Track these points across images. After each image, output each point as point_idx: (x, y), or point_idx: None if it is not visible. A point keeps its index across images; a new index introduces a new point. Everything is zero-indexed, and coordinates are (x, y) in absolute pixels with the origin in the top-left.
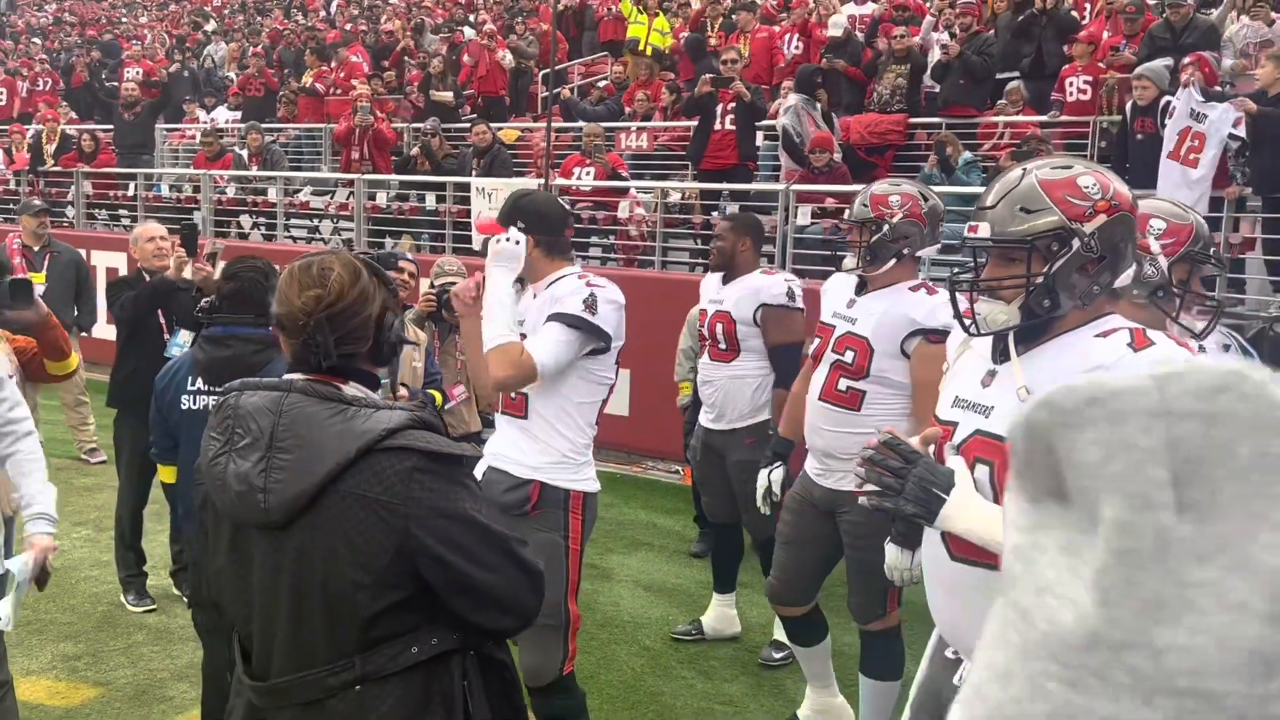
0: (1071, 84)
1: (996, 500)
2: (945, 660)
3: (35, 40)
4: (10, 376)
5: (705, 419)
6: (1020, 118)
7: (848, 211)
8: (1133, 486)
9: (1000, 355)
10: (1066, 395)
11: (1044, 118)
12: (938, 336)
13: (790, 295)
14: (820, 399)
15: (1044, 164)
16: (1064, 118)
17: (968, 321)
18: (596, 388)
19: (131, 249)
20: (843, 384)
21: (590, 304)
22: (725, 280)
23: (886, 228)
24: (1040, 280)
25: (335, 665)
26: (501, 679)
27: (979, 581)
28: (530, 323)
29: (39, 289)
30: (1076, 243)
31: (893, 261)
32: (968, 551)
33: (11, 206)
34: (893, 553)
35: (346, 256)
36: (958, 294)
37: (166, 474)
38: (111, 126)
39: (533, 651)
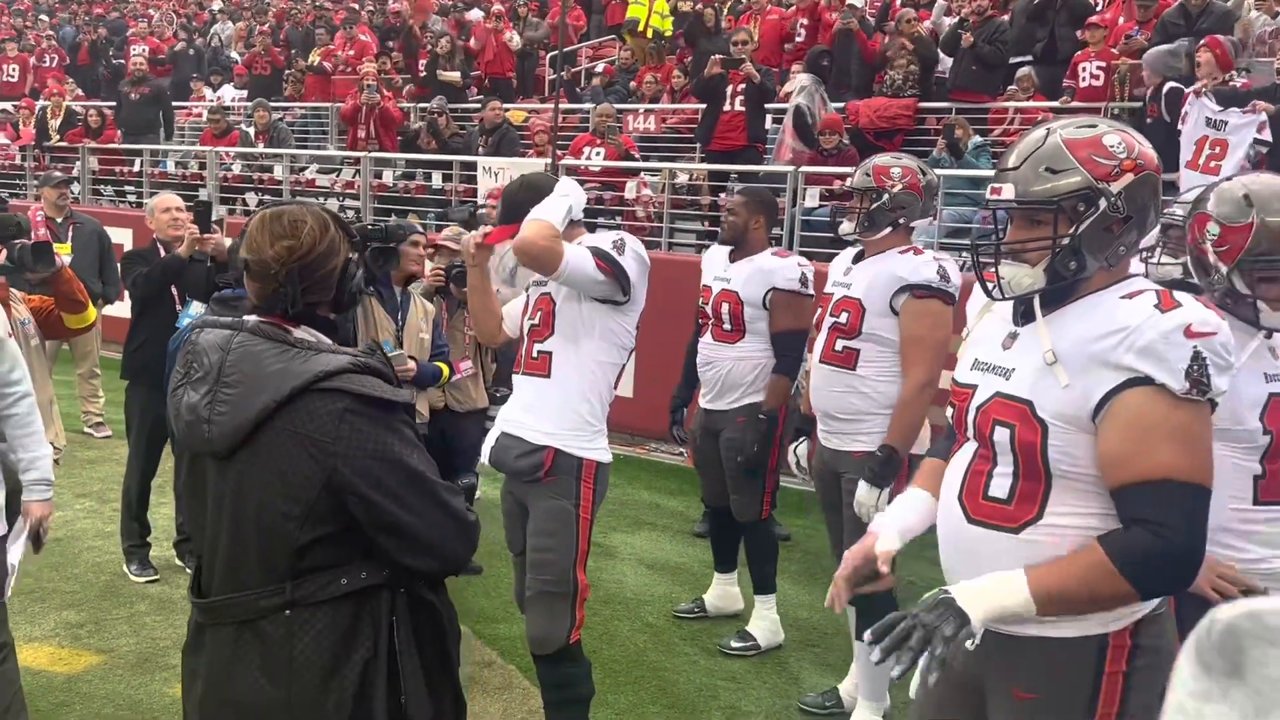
0: (1084, 70)
1: (1018, 464)
2: None
3: (43, 17)
4: (9, 336)
5: (704, 399)
6: (1031, 103)
7: (849, 180)
8: None
9: (1022, 317)
10: (1271, 614)
11: (1055, 103)
12: (923, 291)
13: (803, 281)
14: (821, 361)
15: (1068, 123)
16: (1075, 104)
17: (990, 285)
18: (617, 350)
19: (147, 219)
20: (839, 344)
21: (619, 245)
22: (733, 257)
23: (886, 197)
24: (1066, 241)
25: (266, 589)
26: (434, 619)
27: (997, 546)
28: (552, 285)
29: (65, 259)
30: (1103, 203)
31: (889, 229)
32: (986, 515)
33: (18, 182)
34: (864, 489)
35: (316, 209)
36: (980, 258)
37: None
38: (115, 104)
39: (540, 619)
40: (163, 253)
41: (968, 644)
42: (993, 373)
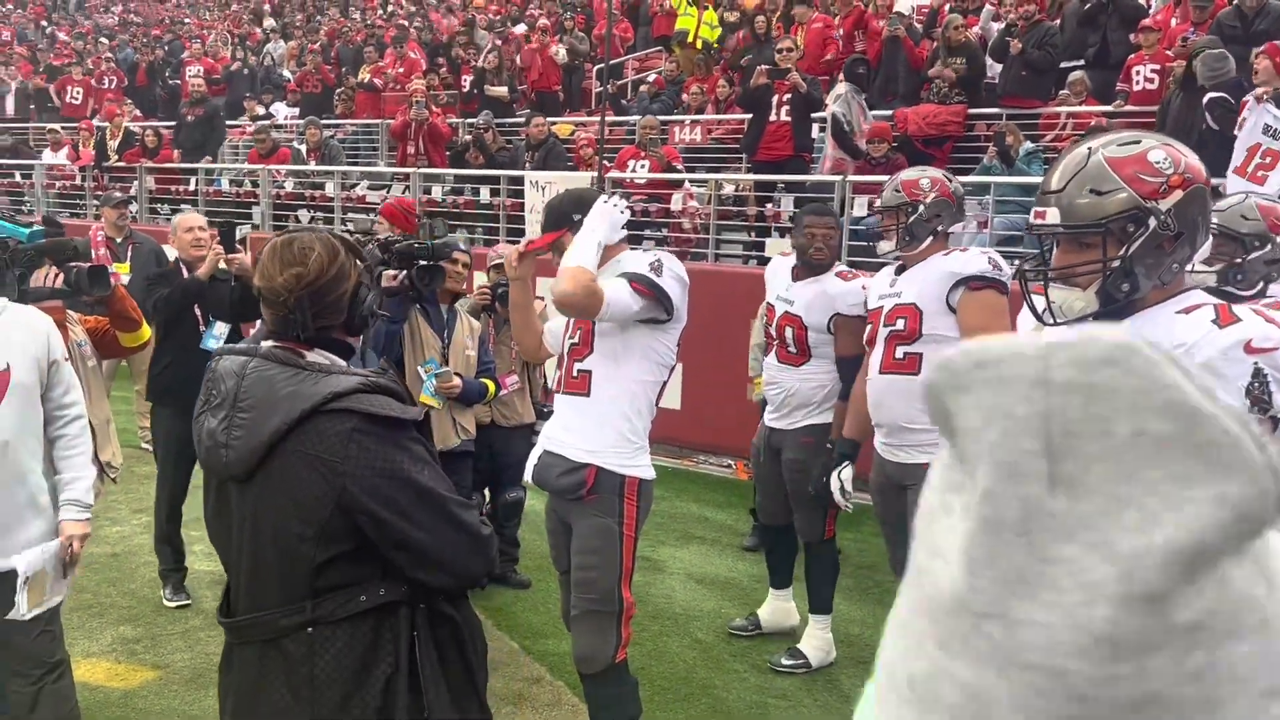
0: (1138, 73)
1: None
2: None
3: (102, 40)
4: (65, 359)
5: (770, 417)
6: (1083, 108)
7: (878, 201)
8: (1004, 455)
9: None
10: (959, 357)
11: (1108, 108)
12: (979, 282)
13: (868, 305)
14: (881, 372)
15: (1110, 140)
16: (1129, 107)
17: (1040, 309)
18: (658, 368)
19: (170, 238)
20: (900, 351)
21: (656, 267)
22: (796, 275)
23: (921, 208)
24: (1117, 263)
25: (288, 608)
26: (456, 634)
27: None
28: None
29: (124, 279)
30: (1153, 221)
31: (930, 239)
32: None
33: (78, 201)
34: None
35: (325, 235)
36: (1029, 283)
37: None
38: (174, 123)
39: (585, 637)
40: (185, 273)
41: None
42: None
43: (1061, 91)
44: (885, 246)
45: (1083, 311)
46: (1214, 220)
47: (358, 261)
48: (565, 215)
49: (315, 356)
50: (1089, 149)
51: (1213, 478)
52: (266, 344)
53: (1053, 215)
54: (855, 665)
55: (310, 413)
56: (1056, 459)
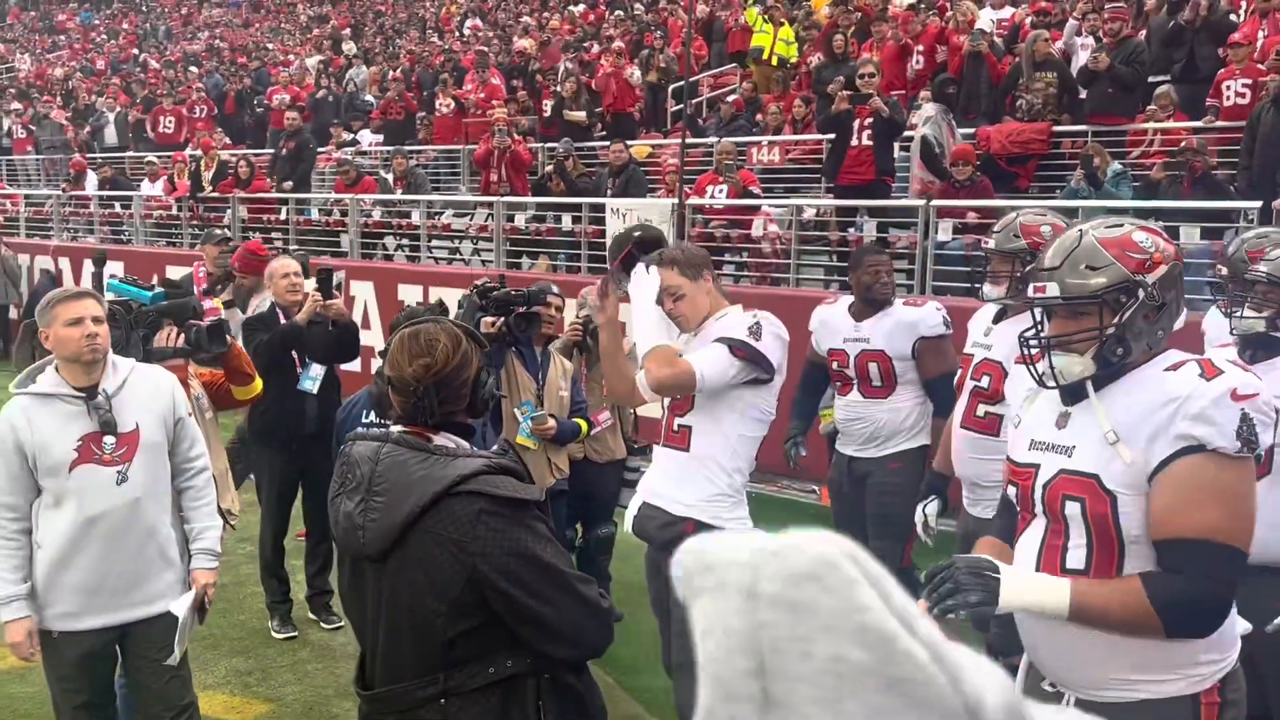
0: (1229, 87)
1: (1091, 534)
2: (1043, 692)
3: (191, 69)
4: (189, 415)
5: (849, 448)
6: (1171, 124)
7: (992, 241)
8: (721, 671)
9: (1069, 397)
10: (689, 557)
11: (1199, 123)
12: None
13: (946, 323)
14: (961, 426)
15: (1098, 224)
16: (1220, 123)
17: (1040, 374)
18: (757, 423)
19: (267, 284)
20: (981, 410)
21: (755, 331)
22: (860, 316)
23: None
24: (1111, 330)
25: (422, 680)
26: (576, 703)
27: None
28: (696, 352)
29: (223, 313)
30: (1141, 292)
31: None
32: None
33: (173, 232)
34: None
35: (449, 325)
36: (1030, 351)
37: None
38: (264, 150)
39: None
40: (282, 318)
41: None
42: (1053, 451)
43: (1149, 107)
44: (993, 292)
45: (1082, 374)
46: (1262, 269)
47: (478, 348)
48: (620, 247)
49: (442, 440)
50: (1080, 231)
51: (907, 715)
52: (396, 429)
53: (1052, 289)
54: None
55: (440, 495)
56: (769, 677)
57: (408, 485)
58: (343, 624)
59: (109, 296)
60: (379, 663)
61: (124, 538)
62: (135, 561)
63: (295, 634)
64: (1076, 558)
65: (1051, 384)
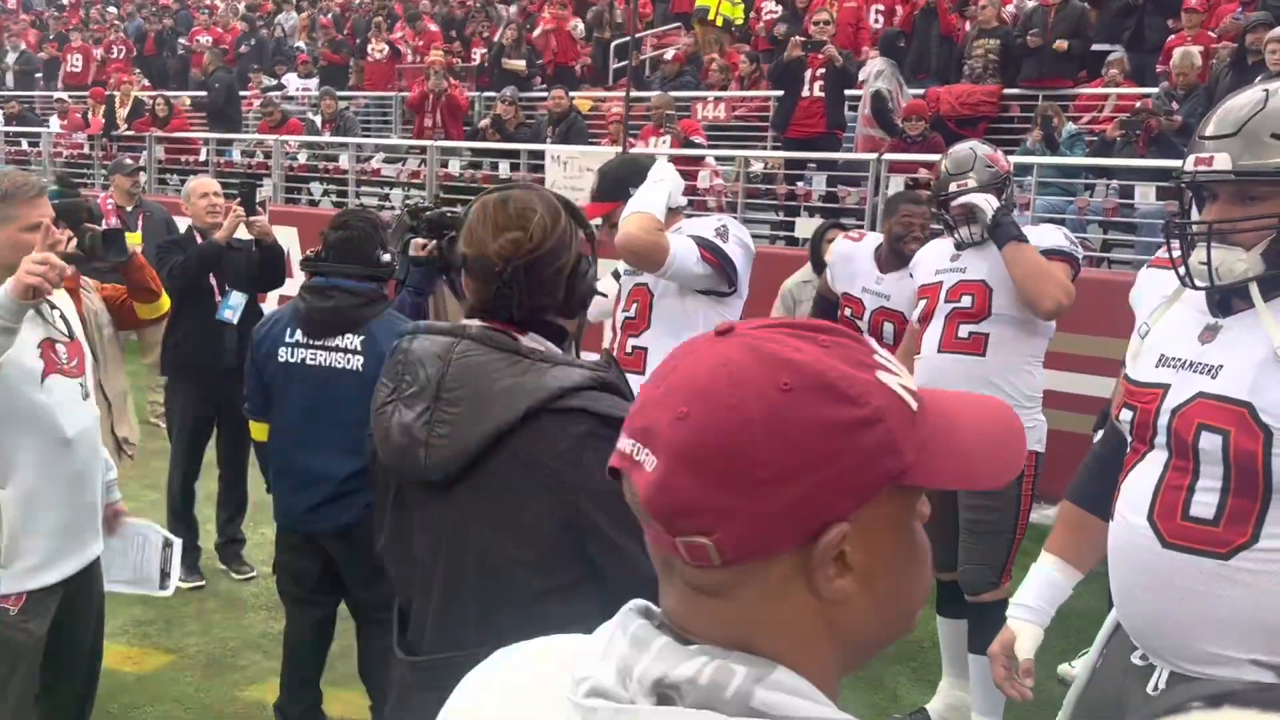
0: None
1: (1229, 476)
2: (1130, 665)
3: (110, 9)
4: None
5: None
6: (1120, 90)
7: (971, 181)
8: None
9: (1220, 308)
10: None
11: (1155, 90)
12: (1056, 255)
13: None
14: (940, 351)
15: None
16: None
17: (1183, 271)
18: None
19: (183, 205)
20: (964, 330)
21: (722, 233)
22: (885, 268)
23: (1009, 180)
24: None
25: (486, 650)
26: None
27: (1200, 574)
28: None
29: (135, 248)
30: None
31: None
32: (1187, 538)
33: (86, 171)
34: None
35: (545, 193)
36: (1192, 240)
37: (258, 431)
38: (182, 92)
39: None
40: (200, 240)
41: None
42: (1191, 370)
43: (1111, 71)
44: (973, 234)
45: (1245, 274)
46: None
47: (580, 228)
48: (622, 184)
49: (530, 342)
50: (1265, 90)
51: None
52: (474, 324)
53: (1221, 160)
54: (899, 662)
55: (536, 410)
56: None
57: (491, 394)
58: (254, 574)
59: None
60: (429, 621)
61: (92, 462)
62: (95, 492)
63: (202, 583)
64: (1205, 503)
65: (1203, 283)
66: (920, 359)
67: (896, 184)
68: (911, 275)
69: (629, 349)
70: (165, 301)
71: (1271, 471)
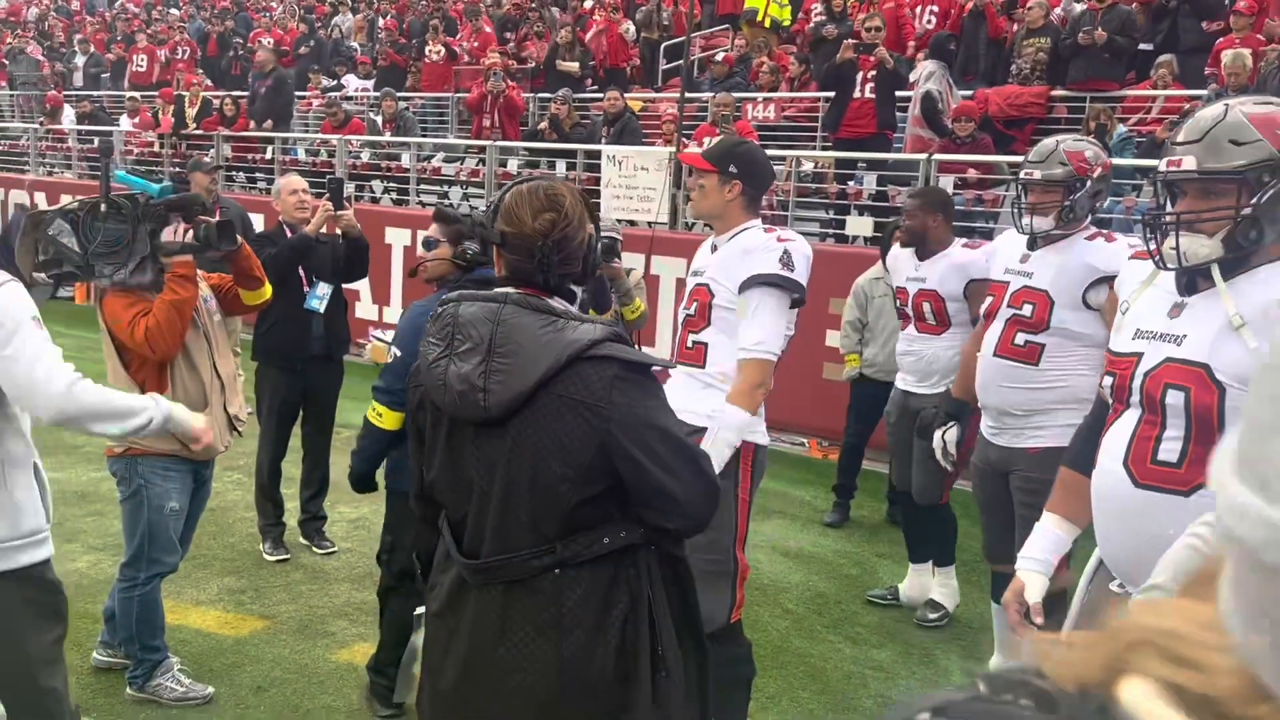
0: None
1: (1190, 427)
2: (1109, 594)
3: (172, 11)
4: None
5: (906, 383)
6: (1168, 91)
7: (1037, 172)
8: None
9: (1186, 289)
10: None
11: (1204, 92)
12: None
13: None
14: (996, 354)
15: (1244, 100)
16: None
17: (1159, 256)
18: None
19: (274, 202)
20: (1020, 338)
21: (786, 261)
22: (921, 256)
23: (1089, 183)
24: (1247, 211)
25: (538, 549)
26: (677, 574)
27: (1165, 509)
28: (713, 273)
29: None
30: None
31: (1089, 218)
32: (1155, 479)
33: (155, 169)
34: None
35: (566, 183)
36: (1153, 230)
37: (392, 420)
38: (246, 92)
39: (703, 597)
40: (289, 234)
41: None
42: (1160, 340)
43: (1160, 72)
44: (1042, 224)
45: (1207, 258)
46: None
47: (588, 210)
48: (726, 161)
49: (558, 304)
50: (1225, 105)
51: None
52: (511, 290)
53: (1189, 162)
54: (950, 642)
55: (574, 358)
56: None
57: (535, 348)
58: (335, 549)
59: (116, 188)
60: (488, 531)
61: None
62: None
63: (288, 556)
64: (1170, 450)
65: (1173, 265)
66: (980, 356)
67: (946, 184)
68: (987, 262)
69: (689, 344)
70: (268, 289)
71: (1225, 422)
